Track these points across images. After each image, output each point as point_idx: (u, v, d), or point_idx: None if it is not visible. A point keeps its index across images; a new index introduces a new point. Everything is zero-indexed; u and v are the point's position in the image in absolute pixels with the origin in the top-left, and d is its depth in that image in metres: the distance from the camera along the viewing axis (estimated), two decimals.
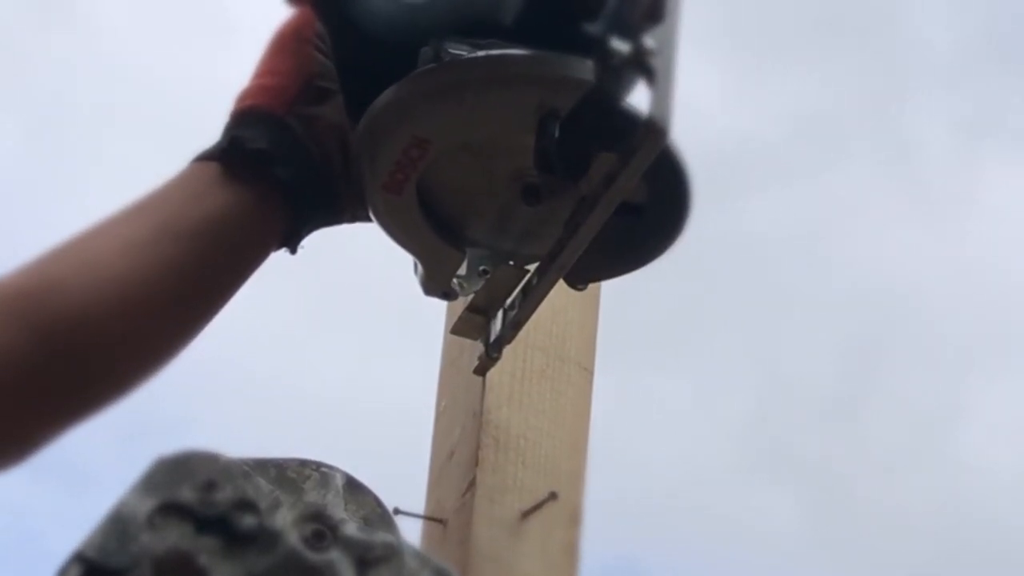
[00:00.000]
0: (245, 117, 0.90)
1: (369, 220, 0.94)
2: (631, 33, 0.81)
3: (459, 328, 1.03)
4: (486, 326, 1.01)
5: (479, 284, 0.98)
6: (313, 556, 0.68)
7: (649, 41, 0.81)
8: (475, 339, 1.03)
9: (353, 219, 0.95)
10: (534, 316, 1.00)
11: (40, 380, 0.81)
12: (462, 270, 0.97)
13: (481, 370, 1.06)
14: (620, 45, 0.82)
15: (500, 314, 1.00)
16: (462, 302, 1.01)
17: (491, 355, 1.02)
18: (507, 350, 1.03)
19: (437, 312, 1.16)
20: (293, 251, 0.93)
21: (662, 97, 0.79)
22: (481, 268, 0.97)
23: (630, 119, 0.83)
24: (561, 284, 0.95)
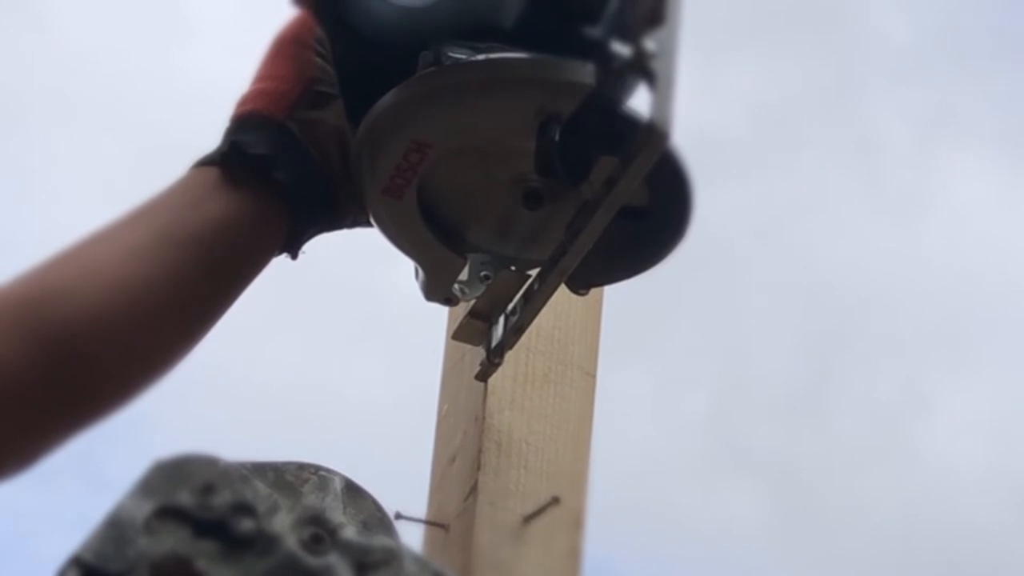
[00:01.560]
0: (245, 122, 0.90)
1: (370, 225, 0.94)
2: (632, 36, 0.81)
3: (460, 334, 1.03)
4: (487, 332, 1.01)
5: (480, 289, 0.98)
6: (311, 560, 0.68)
7: (650, 44, 0.80)
8: (476, 345, 1.03)
9: (354, 224, 0.95)
10: (537, 321, 0.99)
11: (42, 388, 0.81)
12: (463, 275, 0.97)
13: (483, 376, 1.06)
14: (621, 48, 0.82)
15: (502, 319, 1.00)
16: (464, 306, 1.01)
17: (493, 361, 1.02)
18: (509, 354, 1.03)
19: (439, 316, 1.16)
20: (294, 256, 0.93)
21: (663, 100, 0.79)
22: (483, 273, 0.97)
23: (631, 123, 0.82)
24: (563, 287, 0.95)
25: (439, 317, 1.16)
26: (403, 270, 0.98)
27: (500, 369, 1.05)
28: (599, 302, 1.19)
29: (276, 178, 0.88)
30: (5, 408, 0.79)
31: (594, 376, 1.17)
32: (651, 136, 0.79)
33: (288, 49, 0.92)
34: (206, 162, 0.89)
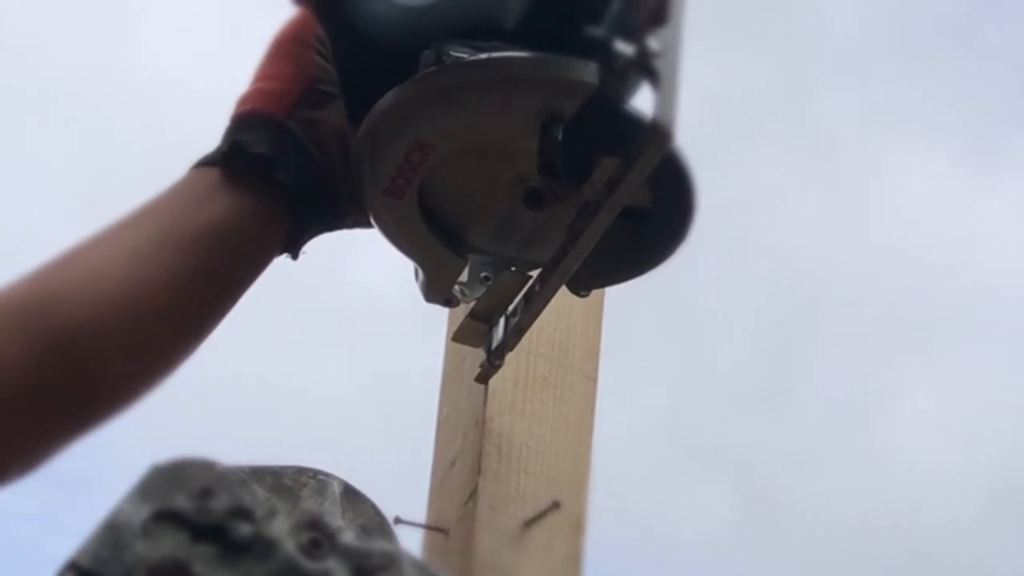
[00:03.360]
0: (245, 121, 0.89)
1: (370, 226, 0.93)
2: (635, 35, 0.80)
3: (460, 335, 1.02)
4: (488, 333, 1.00)
5: (481, 291, 0.97)
6: (310, 564, 0.67)
7: (653, 43, 0.79)
8: (477, 346, 1.02)
9: (354, 224, 0.95)
10: (537, 323, 0.99)
11: (45, 391, 0.80)
12: (464, 276, 0.96)
13: (483, 378, 1.05)
14: (624, 48, 0.81)
15: (502, 321, 0.99)
16: (464, 308, 1.00)
17: (493, 362, 1.01)
18: (509, 357, 1.02)
19: (439, 318, 1.15)
20: (294, 256, 0.92)
21: (666, 100, 0.78)
22: (483, 275, 0.97)
23: (634, 123, 0.82)
24: (564, 291, 0.95)
25: (439, 320, 1.15)
26: (404, 272, 0.98)
27: (500, 372, 1.05)
28: (600, 305, 1.19)
29: (277, 178, 0.88)
30: (7, 411, 0.79)
31: (595, 380, 1.16)
32: (654, 136, 0.78)
33: (288, 48, 0.92)
34: (206, 162, 0.89)
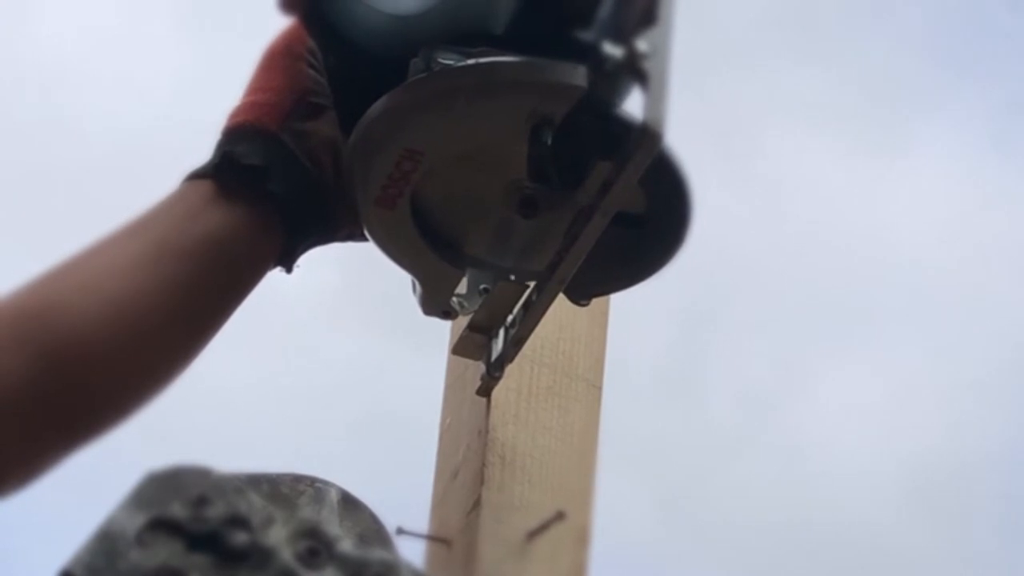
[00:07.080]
0: (238, 133, 0.90)
1: (365, 239, 0.93)
2: (624, 37, 0.80)
3: (460, 348, 1.01)
4: (487, 345, 1.00)
5: (479, 302, 0.96)
6: (307, 573, 0.67)
7: (642, 45, 0.79)
8: (476, 359, 1.02)
9: (349, 238, 0.94)
10: (541, 332, 0.98)
11: (41, 405, 0.80)
12: (462, 288, 0.96)
13: (484, 391, 1.05)
14: (613, 50, 0.81)
15: (501, 332, 0.99)
16: (466, 320, 1.00)
17: (493, 375, 1.01)
18: (513, 367, 1.02)
19: (442, 326, 1.15)
20: (289, 270, 0.92)
21: (656, 101, 0.78)
22: (481, 287, 0.96)
23: (624, 125, 0.81)
24: (568, 300, 0.94)
25: (442, 328, 1.15)
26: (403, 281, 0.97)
27: (504, 382, 1.04)
28: (605, 314, 1.18)
29: (270, 189, 0.88)
30: (6, 422, 0.79)
31: (600, 389, 1.16)
32: (644, 137, 0.78)
33: (280, 60, 0.92)
34: (199, 174, 0.89)
